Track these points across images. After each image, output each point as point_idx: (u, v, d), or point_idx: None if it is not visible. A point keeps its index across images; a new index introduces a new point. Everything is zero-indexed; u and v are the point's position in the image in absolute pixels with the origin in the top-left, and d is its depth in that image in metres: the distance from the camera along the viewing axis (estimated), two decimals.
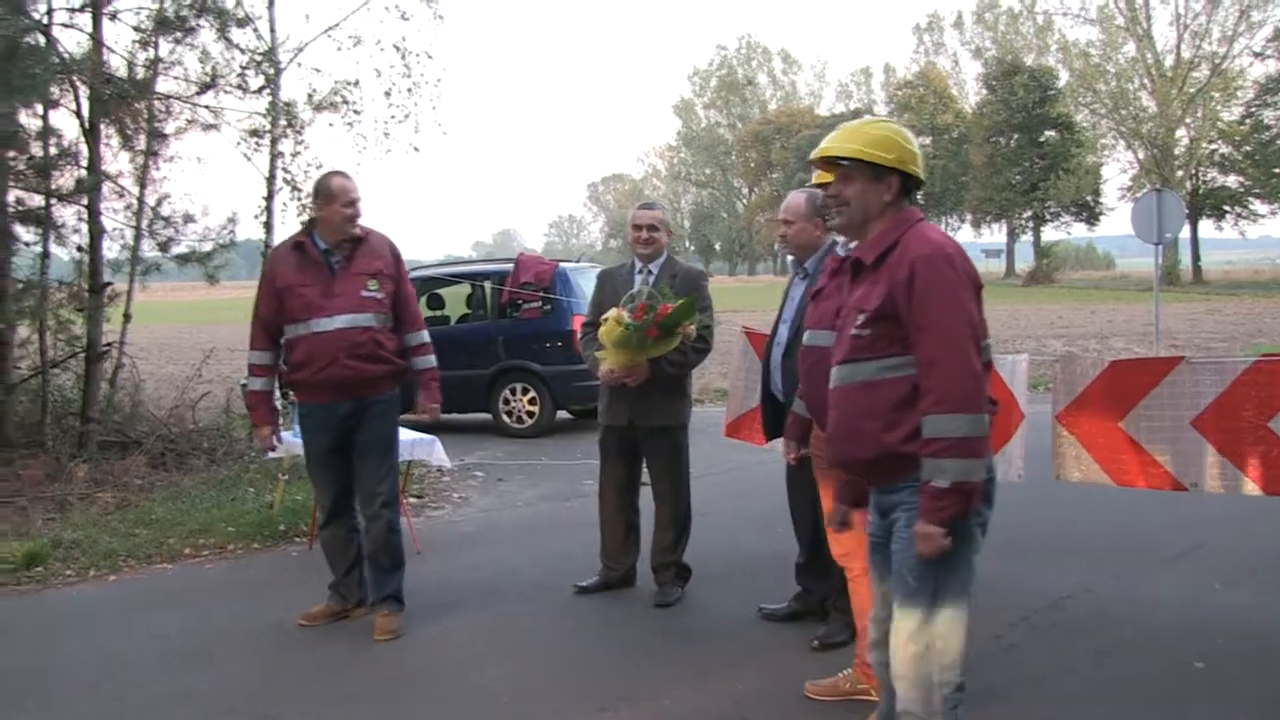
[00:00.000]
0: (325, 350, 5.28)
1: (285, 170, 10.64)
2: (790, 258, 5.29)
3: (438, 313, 13.87)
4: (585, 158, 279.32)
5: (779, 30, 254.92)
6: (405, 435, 6.54)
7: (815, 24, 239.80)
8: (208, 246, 10.04)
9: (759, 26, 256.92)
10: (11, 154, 8.04)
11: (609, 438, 6.04)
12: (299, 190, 10.65)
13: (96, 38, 9.89)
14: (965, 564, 3.08)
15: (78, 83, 9.70)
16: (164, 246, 10.01)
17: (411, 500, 8.46)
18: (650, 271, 5.90)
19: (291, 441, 6.81)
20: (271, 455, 7.56)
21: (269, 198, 10.73)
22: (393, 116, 11.54)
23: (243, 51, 10.23)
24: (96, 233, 9.83)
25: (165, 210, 10.33)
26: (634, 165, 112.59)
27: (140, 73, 9.94)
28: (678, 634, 5.47)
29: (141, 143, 10.24)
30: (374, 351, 5.34)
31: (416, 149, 11.42)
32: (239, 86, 10.09)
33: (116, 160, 10.38)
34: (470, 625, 5.63)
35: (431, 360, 5.61)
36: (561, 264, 13.06)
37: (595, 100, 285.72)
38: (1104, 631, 5.29)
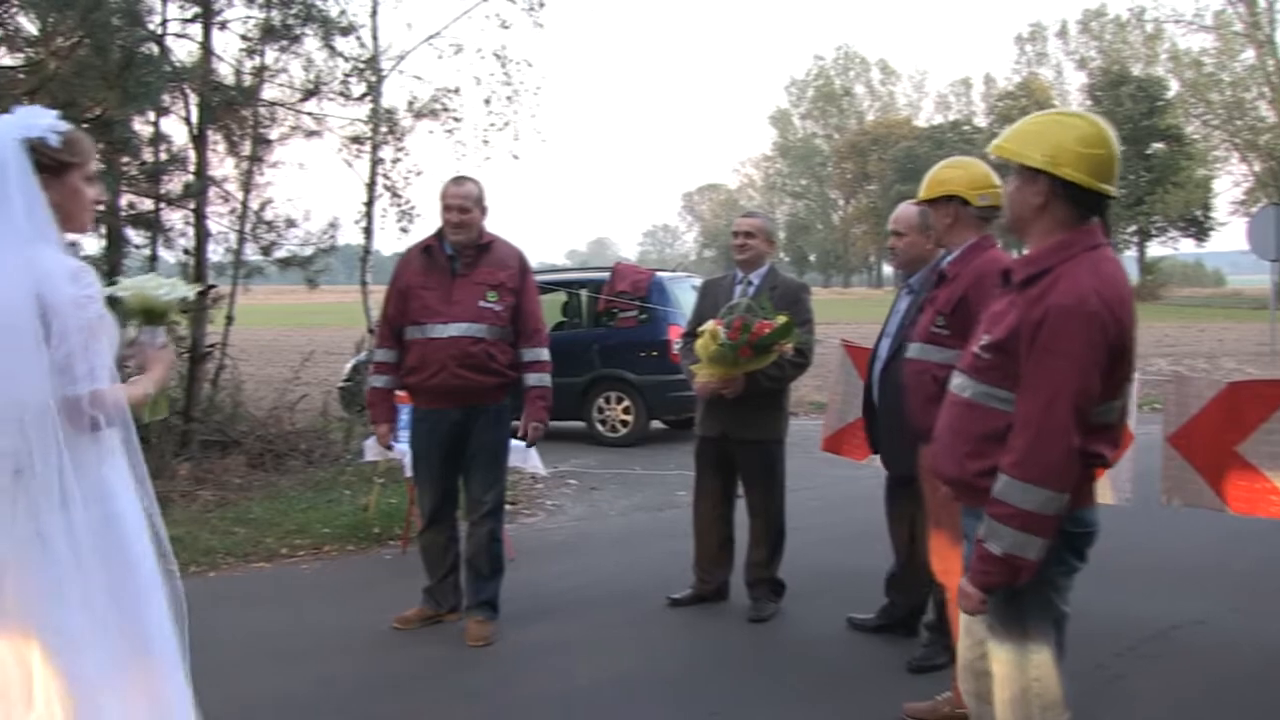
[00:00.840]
0: (437, 357, 5.26)
1: (385, 176, 10.78)
2: (898, 271, 5.16)
3: None
4: (680, 167, 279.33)
5: (877, 40, 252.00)
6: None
7: (914, 34, 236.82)
8: (308, 251, 10.17)
9: (857, 37, 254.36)
10: (125, 159, 8.24)
11: (704, 449, 5.93)
12: (399, 196, 10.77)
13: (206, 47, 10.12)
14: (1048, 607, 2.90)
15: (188, 91, 9.94)
16: (266, 250, 10.19)
17: (506, 506, 8.43)
18: (751, 282, 5.76)
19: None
20: (366, 459, 7.61)
21: (369, 203, 10.87)
22: (492, 124, 11.59)
23: (345, 59, 10.37)
24: (202, 236, 10.06)
25: (268, 215, 10.55)
26: (729, 175, 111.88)
27: (247, 80, 10.13)
28: (772, 649, 5.34)
29: (247, 149, 10.44)
30: (485, 363, 5.29)
31: (516, 157, 11.46)
32: (341, 94, 10.24)
33: (222, 166, 10.61)
34: (563, 634, 5.56)
35: (544, 379, 5.44)
36: (658, 273, 13.01)
37: (691, 109, 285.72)
38: (1216, 663, 5.04)
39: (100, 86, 7.05)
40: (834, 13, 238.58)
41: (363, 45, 10.64)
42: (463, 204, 5.28)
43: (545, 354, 5.45)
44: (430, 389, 5.33)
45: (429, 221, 10.87)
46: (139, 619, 2.73)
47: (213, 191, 10.33)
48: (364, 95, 10.46)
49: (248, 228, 10.52)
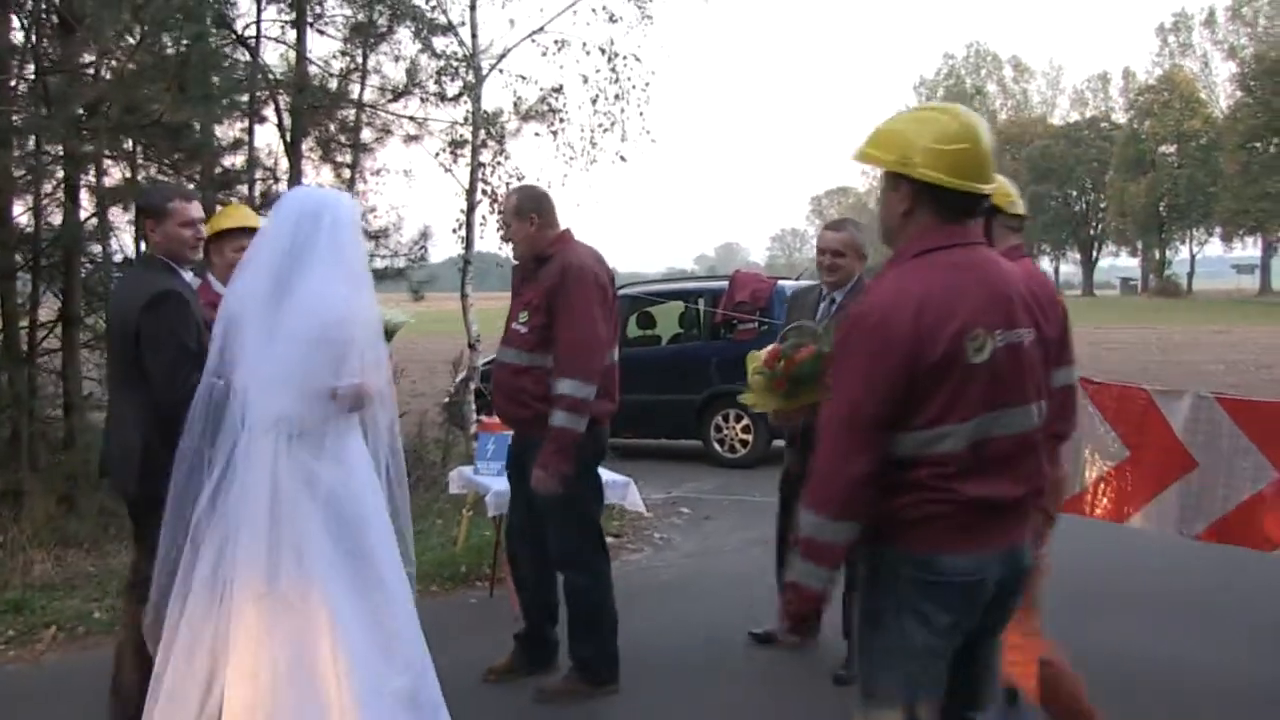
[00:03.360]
0: (495, 383, 4.93)
1: (485, 182, 10.13)
2: None
3: (648, 332, 13.16)
4: (808, 169, 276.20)
5: (1010, 37, 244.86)
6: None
7: (1048, 29, 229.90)
8: (400, 263, 9.61)
9: (989, 33, 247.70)
10: (198, 168, 7.77)
11: (786, 487, 5.27)
12: (500, 203, 10.10)
13: (299, 50, 9.64)
14: (896, 664, 2.55)
15: (279, 95, 9.47)
16: None
17: (608, 539, 7.63)
18: (834, 300, 5.09)
19: (472, 478, 6.36)
20: (451, 491, 6.97)
21: (469, 211, 10.25)
22: (600, 125, 10.85)
23: (440, 58, 9.75)
24: None
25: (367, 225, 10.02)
26: (858, 178, 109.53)
27: (339, 83, 9.61)
28: None
29: (343, 155, 9.94)
30: (517, 395, 4.70)
31: (624, 158, 10.68)
32: (438, 94, 9.60)
33: (319, 174, 10.12)
34: (671, 693, 4.91)
35: (559, 419, 4.50)
36: (780, 281, 12.10)
37: (819, 110, 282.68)
38: None
39: (161, 89, 6.55)
40: (965, 9, 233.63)
41: (462, 44, 10.01)
42: (506, 219, 4.90)
43: (569, 388, 4.51)
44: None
45: None
46: (373, 557, 3.55)
47: None
48: (460, 94, 9.81)
49: None
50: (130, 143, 7.43)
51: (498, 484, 5.75)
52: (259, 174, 9.56)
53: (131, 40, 6.91)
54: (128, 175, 7.76)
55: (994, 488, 2.50)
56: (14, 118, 6.55)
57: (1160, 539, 5.71)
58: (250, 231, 4.21)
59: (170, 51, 7.05)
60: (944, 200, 2.56)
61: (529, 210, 4.73)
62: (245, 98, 8.34)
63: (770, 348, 4.65)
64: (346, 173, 10.16)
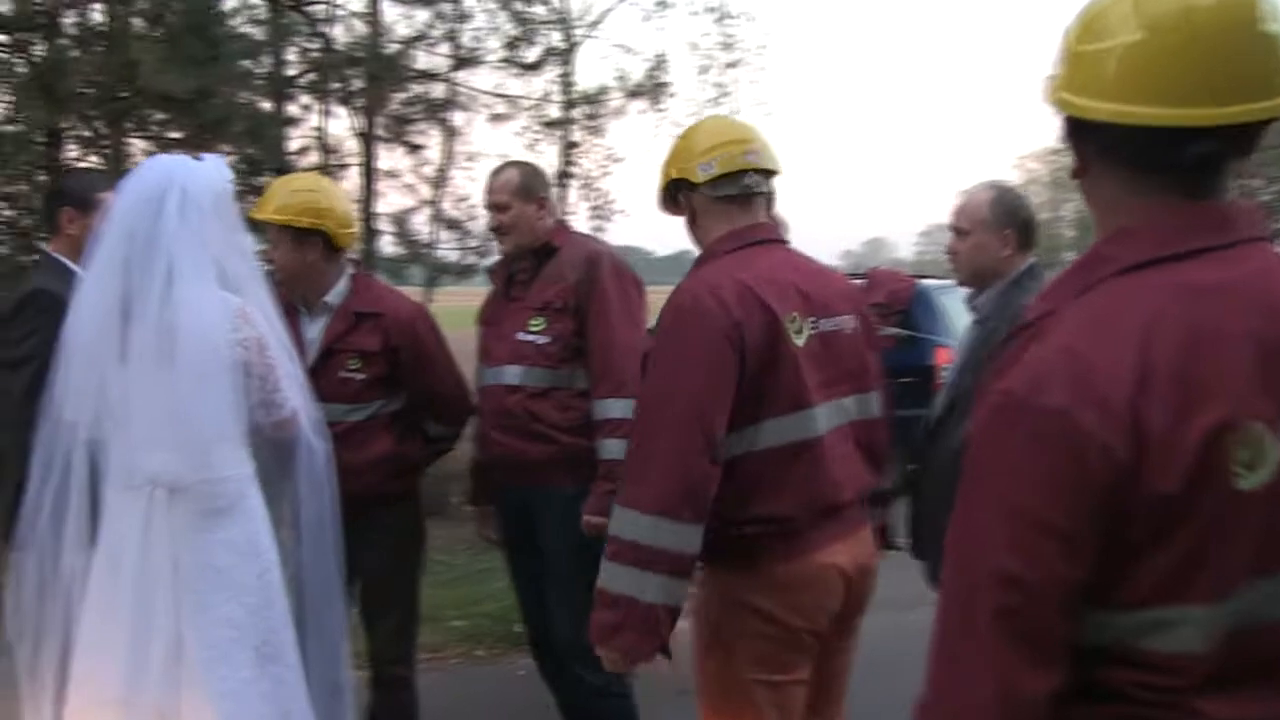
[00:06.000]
0: (483, 412, 3.64)
1: (574, 164, 8.99)
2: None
3: None
4: (958, 161, 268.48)
5: None
6: None
7: None
8: (469, 258, 8.59)
9: None
10: (226, 146, 6.80)
11: None
12: (593, 188, 8.98)
13: (374, 23, 8.63)
14: None
15: (351, 74, 8.48)
16: (414, 256, 8.62)
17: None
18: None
19: None
20: None
21: (560, 198, 9.12)
22: (710, 99, 9.61)
23: (521, 21, 8.61)
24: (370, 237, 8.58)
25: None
26: (1010, 170, 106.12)
27: (407, 52, 8.56)
28: None
29: (420, 136, 8.92)
30: (528, 424, 3.45)
31: None
32: (516, 61, 8.47)
33: (393, 156, 9.18)
34: None
35: (613, 449, 3.32)
36: (922, 280, 10.56)
37: (969, 99, 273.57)
38: None
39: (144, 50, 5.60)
40: None
41: (549, 6, 8.86)
42: (498, 199, 3.61)
43: (625, 409, 3.21)
44: (485, 456, 3.73)
45: (630, 217, 9.08)
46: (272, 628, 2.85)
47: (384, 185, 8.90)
48: (540, 63, 8.64)
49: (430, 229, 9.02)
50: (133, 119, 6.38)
51: None
52: (329, 159, 8.59)
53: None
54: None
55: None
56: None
57: None
58: (275, 227, 3.40)
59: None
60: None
61: (538, 190, 3.63)
62: (259, 65, 7.29)
63: None
64: (427, 155, 9.18)
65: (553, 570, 3.51)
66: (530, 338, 3.47)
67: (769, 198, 2.61)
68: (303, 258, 3.36)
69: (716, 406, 2.27)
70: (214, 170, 2.87)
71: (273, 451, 2.93)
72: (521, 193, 3.57)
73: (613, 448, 3.29)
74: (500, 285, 3.70)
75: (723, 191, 2.50)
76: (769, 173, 2.57)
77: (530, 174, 3.71)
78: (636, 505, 2.30)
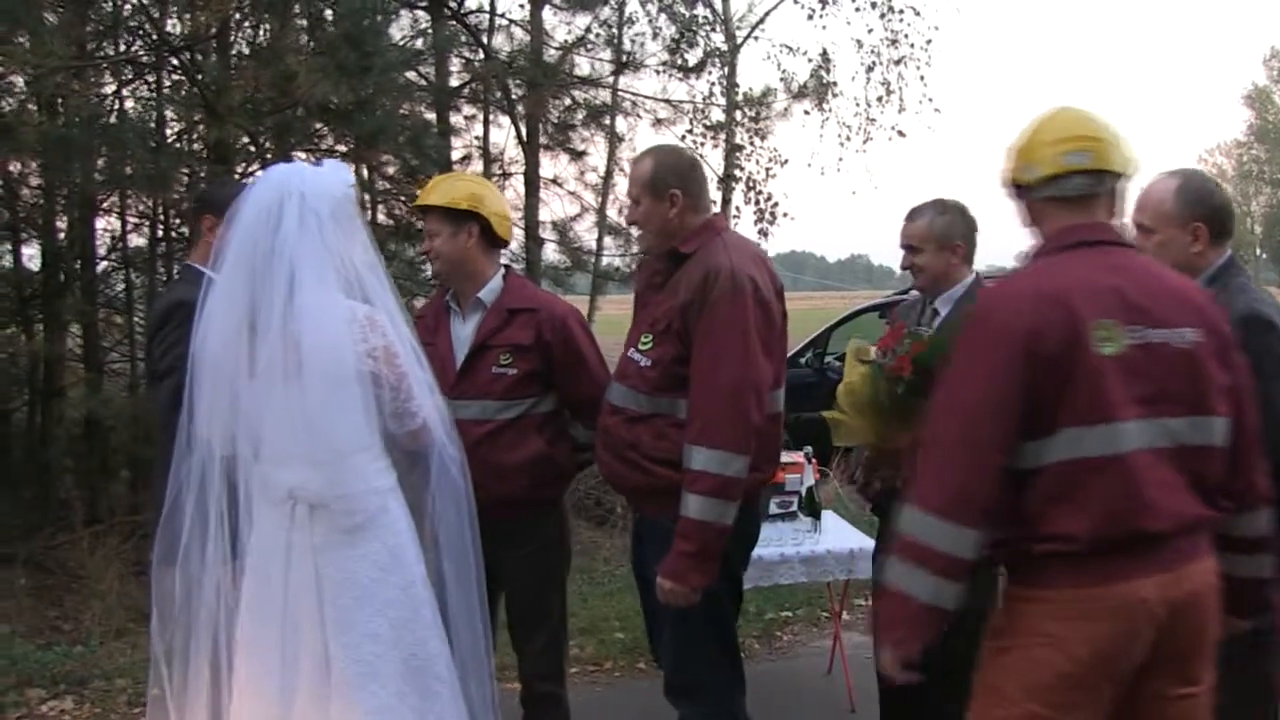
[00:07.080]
0: (599, 429, 3.36)
1: (739, 167, 8.78)
2: None
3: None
4: (1140, 158, 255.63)
5: None
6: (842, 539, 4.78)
7: None
8: (618, 263, 8.50)
9: None
10: (383, 156, 6.79)
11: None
12: (758, 190, 8.73)
13: (534, 30, 8.59)
14: None
15: (511, 82, 8.47)
16: (575, 264, 8.51)
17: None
18: (937, 312, 3.61)
19: None
20: None
21: (723, 202, 8.93)
22: (879, 98, 9.25)
23: (679, 23, 8.45)
24: (534, 245, 8.54)
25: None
26: (1194, 164, 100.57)
27: (566, 59, 8.50)
28: None
29: (585, 143, 8.86)
30: (623, 450, 3.18)
31: (901, 133, 9.03)
32: (677, 65, 8.31)
33: (555, 164, 9.10)
34: None
35: (695, 507, 2.95)
36: None
37: (1146, 89, 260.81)
38: None
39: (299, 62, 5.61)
40: None
41: (709, 6, 8.67)
42: (629, 191, 3.28)
43: (716, 462, 2.94)
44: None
45: (793, 221, 8.82)
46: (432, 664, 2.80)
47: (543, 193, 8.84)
48: (701, 65, 8.45)
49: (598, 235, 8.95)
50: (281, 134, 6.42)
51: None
52: (492, 168, 8.60)
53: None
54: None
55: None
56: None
57: None
58: (435, 211, 3.37)
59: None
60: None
61: (670, 184, 3.15)
62: (420, 75, 7.27)
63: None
64: (590, 162, 9.11)
65: (659, 602, 3.13)
66: (637, 356, 3.14)
67: (1112, 197, 2.44)
68: (460, 244, 3.30)
69: (1000, 413, 2.23)
70: (333, 176, 2.80)
71: (408, 462, 2.85)
72: (650, 187, 3.16)
73: (691, 504, 2.92)
74: (639, 287, 3.39)
75: (1047, 193, 2.40)
76: (1109, 173, 2.40)
77: (665, 164, 3.24)
78: (918, 502, 2.29)
